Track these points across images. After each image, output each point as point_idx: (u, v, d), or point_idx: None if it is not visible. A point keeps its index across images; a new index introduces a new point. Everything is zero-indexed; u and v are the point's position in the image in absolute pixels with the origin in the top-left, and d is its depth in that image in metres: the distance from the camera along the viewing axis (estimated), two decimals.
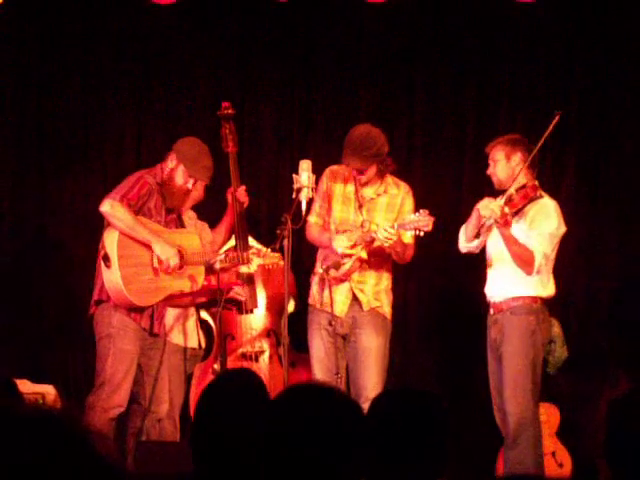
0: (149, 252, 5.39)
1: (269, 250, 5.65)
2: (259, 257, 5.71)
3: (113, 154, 6.86)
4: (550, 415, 6.15)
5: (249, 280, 5.97)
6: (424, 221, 5.35)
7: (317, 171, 5.52)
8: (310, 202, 5.46)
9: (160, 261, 5.39)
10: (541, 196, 5.51)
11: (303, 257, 6.30)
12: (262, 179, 6.88)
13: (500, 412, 5.51)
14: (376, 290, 5.68)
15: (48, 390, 5.82)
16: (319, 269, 5.67)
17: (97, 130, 6.87)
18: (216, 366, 5.82)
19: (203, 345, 6.16)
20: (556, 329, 5.63)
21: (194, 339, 6.05)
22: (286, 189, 5.87)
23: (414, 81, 6.87)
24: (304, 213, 5.43)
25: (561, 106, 5.70)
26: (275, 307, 6.16)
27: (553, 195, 5.63)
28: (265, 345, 6.14)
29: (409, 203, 5.69)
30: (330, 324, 5.59)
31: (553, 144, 6.36)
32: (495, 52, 6.79)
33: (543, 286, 5.48)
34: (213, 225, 6.12)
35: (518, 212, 5.43)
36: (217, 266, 5.44)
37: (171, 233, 5.54)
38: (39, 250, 6.81)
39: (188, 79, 6.87)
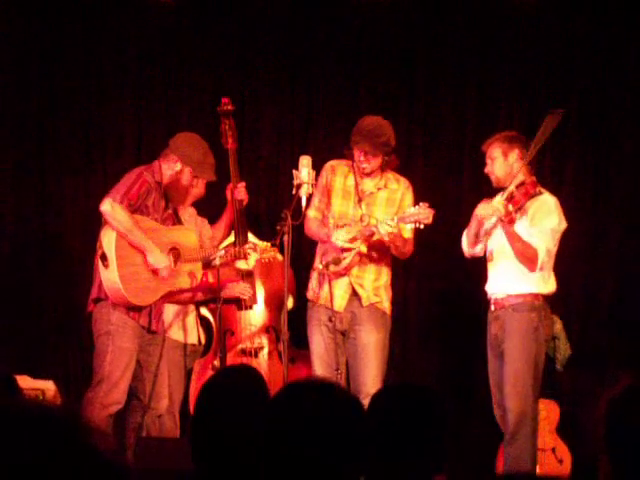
0: (143, 252, 5.39)
1: (268, 245, 5.66)
2: (255, 252, 5.71)
3: (113, 152, 6.85)
4: (550, 411, 6.15)
5: (248, 275, 5.97)
6: (424, 214, 5.35)
7: (317, 167, 5.53)
8: (310, 198, 5.47)
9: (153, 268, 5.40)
10: (541, 192, 5.50)
11: (303, 253, 6.30)
12: (262, 175, 6.88)
13: (500, 409, 5.50)
14: (375, 285, 5.68)
15: (48, 386, 5.82)
16: (318, 265, 5.67)
17: (97, 129, 6.86)
18: (216, 362, 5.83)
19: (203, 341, 6.16)
20: (558, 326, 5.64)
21: (194, 335, 6.05)
22: (286, 185, 5.87)
23: (414, 79, 6.87)
24: (304, 209, 5.43)
25: (561, 105, 5.69)
26: (275, 303, 6.16)
27: (554, 193, 5.62)
28: (264, 341, 6.13)
29: (409, 198, 5.69)
30: (330, 320, 5.59)
31: (553, 143, 6.36)
32: (495, 51, 6.79)
33: (545, 282, 5.48)
34: (213, 221, 6.12)
35: (519, 209, 5.42)
36: (217, 262, 5.45)
37: (168, 230, 5.54)
38: (40, 248, 6.81)
39: (188, 75, 6.87)
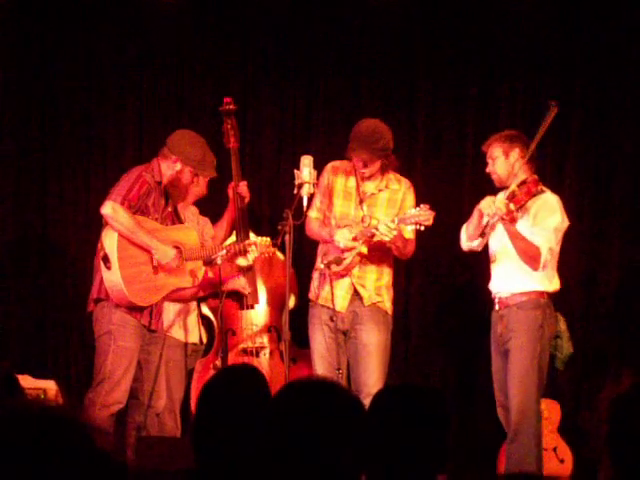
0: (148, 252, 5.40)
1: (268, 240, 5.68)
2: (256, 249, 5.72)
3: (114, 152, 6.85)
4: (551, 411, 6.14)
5: (249, 270, 5.97)
6: (425, 215, 5.35)
7: (318, 167, 5.52)
8: (311, 198, 5.47)
9: (161, 264, 5.41)
10: (543, 191, 5.50)
11: (304, 253, 6.30)
12: (263, 175, 6.88)
13: (503, 408, 5.50)
14: (377, 285, 5.68)
15: (49, 385, 5.82)
16: (320, 264, 5.67)
17: (98, 130, 6.86)
18: (217, 362, 5.83)
19: (204, 340, 6.17)
20: (561, 324, 5.62)
21: (195, 334, 6.06)
22: (287, 185, 5.87)
23: (415, 78, 6.86)
24: (305, 209, 5.43)
25: (561, 103, 5.69)
26: (276, 303, 6.16)
27: (554, 192, 5.62)
28: (266, 341, 6.14)
29: (410, 199, 5.69)
30: (331, 320, 5.59)
31: (553, 141, 6.36)
32: (496, 50, 6.78)
33: (549, 280, 5.47)
34: (215, 220, 6.12)
35: (521, 208, 5.42)
36: (218, 262, 5.46)
37: (169, 230, 5.55)
38: (41, 249, 6.82)
39: (189, 75, 6.87)
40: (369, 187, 5.69)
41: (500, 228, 5.48)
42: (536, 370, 5.37)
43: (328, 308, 5.60)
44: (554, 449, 6.10)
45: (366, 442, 2.27)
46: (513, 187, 5.41)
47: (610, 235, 6.71)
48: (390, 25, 6.81)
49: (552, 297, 5.51)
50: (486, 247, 5.65)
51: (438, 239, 6.26)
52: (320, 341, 5.64)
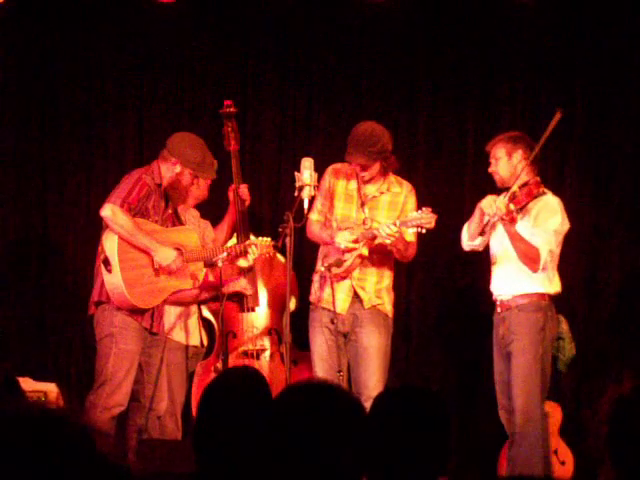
0: (149, 254, 5.40)
1: (269, 240, 5.68)
2: (257, 249, 5.72)
3: (115, 155, 6.85)
4: (553, 413, 6.14)
5: (249, 271, 5.97)
6: (426, 218, 5.34)
7: (319, 169, 5.52)
8: (312, 200, 5.47)
9: (162, 266, 5.40)
10: (544, 193, 5.50)
11: (305, 255, 6.29)
12: (264, 177, 6.88)
13: (504, 410, 5.49)
14: (377, 288, 5.68)
15: (50, 388, 5.83)
16: (320, 267, 5.67)
17: (99, 129, 6.86)
18: (218, 364, 5.82)
19: (205, 343, 6.16)
20: (564, 326, 5.61)
21: (196, 337, 6.05)
22: (288, 187, 5.87)
23: (416, 79, 6.86)
24: (306, 211, 5.43)
25: (563, 105, 5.69)
26: (277, 305, 6.16)
27: (555, 193, 5.62)
28: (266, 343, 6.14)
29: (412, 202, 5.68)
30: (332, 322, 5.59)
31: (555, 143, 6.36)
32: (497, 51, 6.78)
33: (550, 282, 5.47)
34: (215, 223, 6.12)
35: (522, 209, 5.42)
36: (219, 264, 5.46)
37: (169, 232, 5.55)
38: (41, 250, 6.82)
39: (190, 77, 6.87)
40: (370, 190, 5.69)
41: (501, 229, 5.48)
42: (539, 372, 5.37)
43: (329, 311, 5.61)
44: (555, 451, 6.09)
45: (367, 445, 2.27)
46: (514, 188, 5.41)
47: (610, 235, 6.71)
48: (390, 25, 6.81)
49: (553, 299, 5.50)
50: (487, 248, 5.64)
51: (439, 240, 6.25)
52: (321, 344, 5.64)
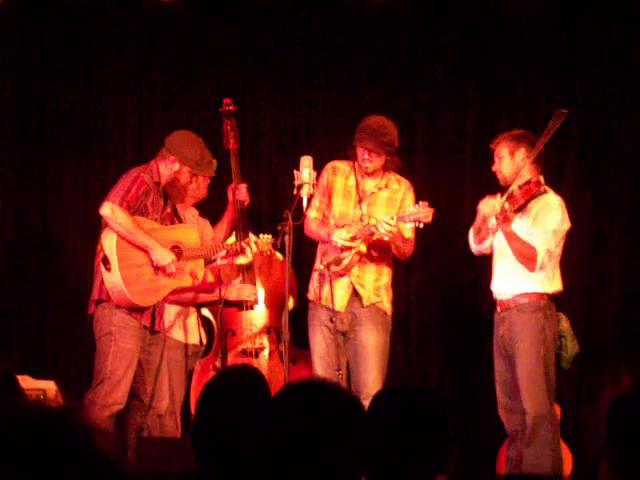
0: (148, 252, 5.40)
1: (269, 237, 5.68)
2: (256, 247, 5.72)
3: (114, 154, 6.85)
4: None
5: (248, 269, 5.97)
6: (424, 213, 5.34)
7: (318, 167, 5.52)
8: (311, 198, 5.47)
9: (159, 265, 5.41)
10: (545, 192, 5.48)
11: (304, 253, 6.30)
12: (263, 175, 6.88)
13: (504, 409, 5.48)
14: (376, 286, 5.68)
15: (49, 386, 5.82)
16: (319, 265, 5.67)
17: (98, 128, 6.86)
18: (217, 362, 5.83)
19: (204, 341, 6.16)
20: (565, 324, 5.58)
21: (195, 335, 6.06)
22: (287, 185, 5.87)
23: (415, 78, 6.86)
24: (305, 209, 5.43)
25: (562, 104, 5.69)
26: (276, 303, 6.16)
27: (556, 193, 5.61)
28: (265, 341, 6.13)
29: (410, 198, 5.69)
30: (331, 320, 5.59)
31: (553, 143, 6.35)
32: (496, 50, 6.78)
33: (549, 281, 5.44)
34: (214, 222, 6.12)
35: (522, 208, 5.40)
36: (218, 262, 5.47)
37: (169, 230, 5.55)
38: (41, 249, 6.82)
39: (189, 76, 6.87)
40: (369, 185, 5.69)
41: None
42: (543, 373, 5.35)
43: (328, 309, 5.61)
44: None
45: (366, 443, 2.27)
46: (514, 187, 5.40)
47: (610, 235, 6.71)
48: (390, 25, 6.81)
49: (553, 298, 5.49)
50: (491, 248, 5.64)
51: (438, 239, 6.25)
52: (319, 342, 5.65)
